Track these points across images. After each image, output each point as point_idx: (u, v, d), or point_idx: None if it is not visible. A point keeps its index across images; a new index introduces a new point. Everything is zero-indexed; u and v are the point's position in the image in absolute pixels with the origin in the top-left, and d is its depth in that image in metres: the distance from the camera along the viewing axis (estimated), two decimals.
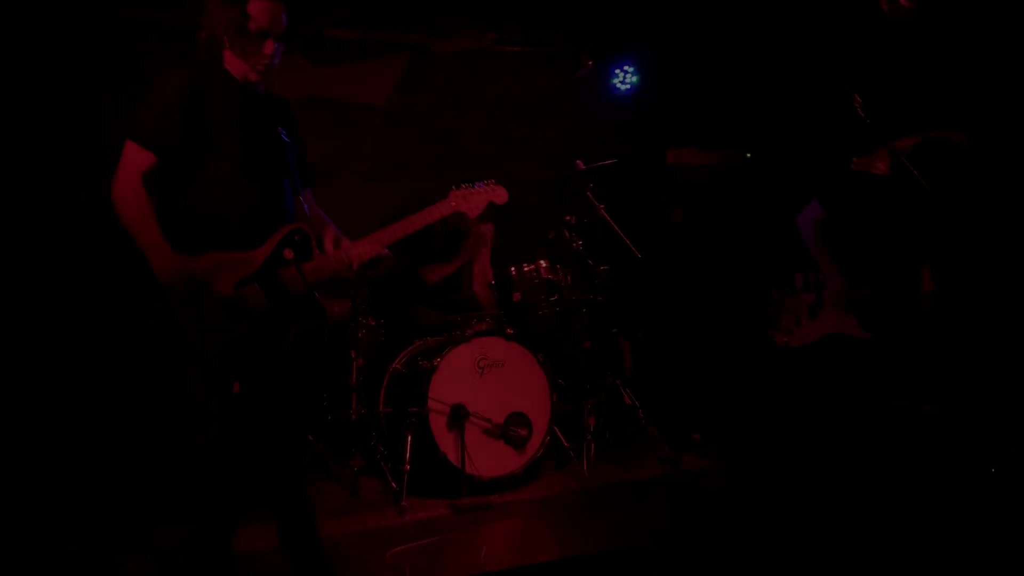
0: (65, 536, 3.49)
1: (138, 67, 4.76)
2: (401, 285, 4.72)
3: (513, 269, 4.51)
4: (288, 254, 2.62)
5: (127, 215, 2.46)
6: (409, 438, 3.94)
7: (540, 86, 6.11)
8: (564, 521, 3.66)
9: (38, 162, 4.58)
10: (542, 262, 4.57)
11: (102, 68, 4.74)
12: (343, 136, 5.48)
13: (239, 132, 2.61)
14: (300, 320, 2.64)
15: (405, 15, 5.60)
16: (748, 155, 5.90)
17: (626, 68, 6.13)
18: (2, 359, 4.26)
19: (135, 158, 2.49)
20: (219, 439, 2.54)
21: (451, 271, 4.90)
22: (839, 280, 3.38)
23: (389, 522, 3.69)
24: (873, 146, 3.46)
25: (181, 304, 2.47)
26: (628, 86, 6.17)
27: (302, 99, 5.31)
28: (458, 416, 3.89)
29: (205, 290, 2.50)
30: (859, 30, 4.83)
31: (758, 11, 5.61)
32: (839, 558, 3.07)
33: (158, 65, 2.60)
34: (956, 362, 3.71)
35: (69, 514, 3.74)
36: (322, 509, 3.84)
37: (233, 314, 2.52)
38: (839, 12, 5.04)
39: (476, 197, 2.93)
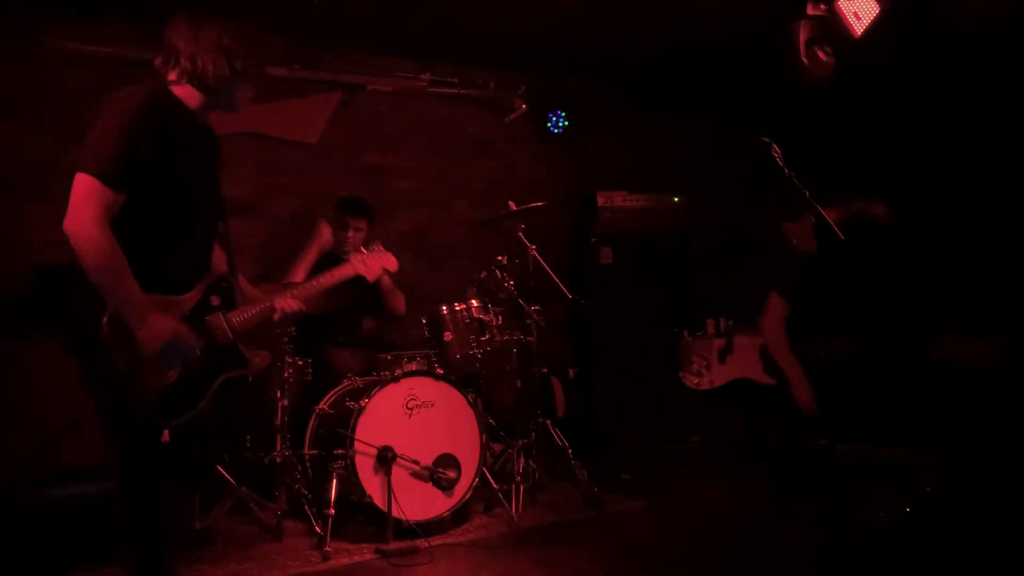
0: None
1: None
2: (313, 328, 4.65)
3: (444, 308, 4.49)
4: (215, 301, 2.58)
5: (101, 254, 2.25)
6: (334, 481, 3.87)
7: (473, 127, 6.18)
8: (491, 565, 3.62)
9: None
10: (473, 302, 4.56)
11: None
12: (272, 171, 5.43)
13: (187, 167, 2.49)
14: (225, 369, 2.59)
15: (342, 53, 5.62)
16: (676, 199, 6.06)
17: (559, 112, 6.24)
18: None
19: (100, 195, 2.27)
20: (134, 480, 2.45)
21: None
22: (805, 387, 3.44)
23: (312, 568, 3.60)
24: (798, 209, 3.54)
25: (118, 345, 2.33)
26: (560, 130, 6.28)
27: (232, 135, 5.27)
28: (385, 458, 3.83)
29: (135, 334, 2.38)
30: (781, 83, 5.05)
31: (686, 64, 5.81)
32: None
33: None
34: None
35: None
36: (243, 554, 3.76)
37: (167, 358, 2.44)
38: (763, 65, 5.26)
39: (373, 261, 3.16)
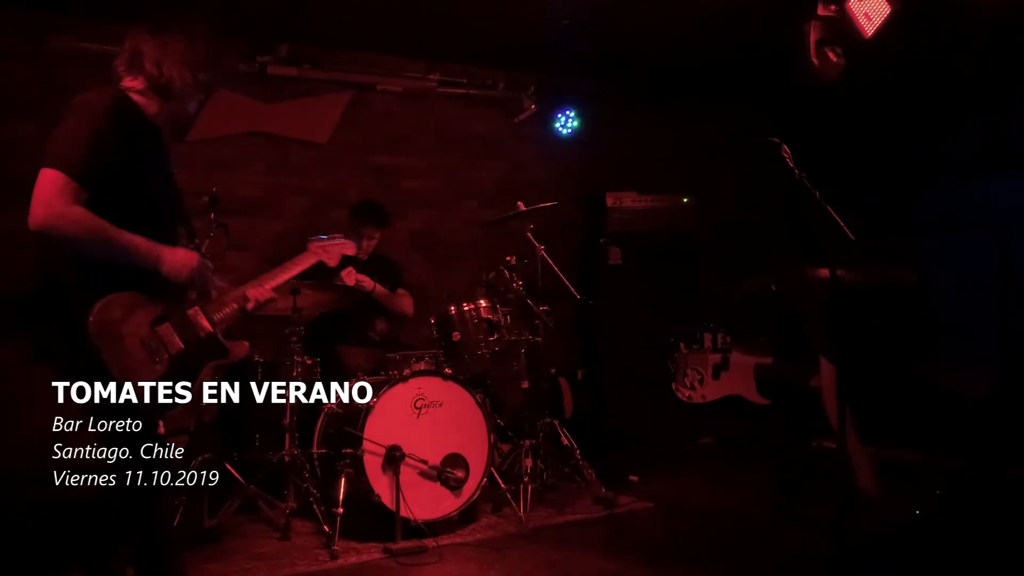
0: None
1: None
2: (325, 326, 4.68)
3: (453, 308, 4.50)
4: (192, 295, 2.63)
5: (87, 227, 2.31)
6: (343, 480, 3.88)
7: (482, 127, 6.19)
8: (499, 565, 3.62)
9: None
10: (482, 302, 4.56)
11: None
12: (282, 171, 5.45)
13: (149, 171, 2.56)
14: (207, 360, 2.67)
15: (351, 54, 5.64)
16: (685, 200, 6.05)
17: (568, 112, 6.24)
18: None
19: (69, 189, 2.33)
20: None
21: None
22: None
23: (320, 567, 3.60)
24: (816, 243, 3.43)
25: (104, 344, 2.37)
26: (569, 130, 6.28)
27: (243, 134, 5.29)
28: (393, 457, 3.83)
29: (121, 331, 2.42)
30: (791, 84, 5.03)
31: (694, 64, 5.80)
32: None
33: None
34: None
35: None
36: (251, 553, 3.77)
37: (151, 354, 2.48)
38: (771, 66, 5.24)
39: (333, 249, 3.19)
